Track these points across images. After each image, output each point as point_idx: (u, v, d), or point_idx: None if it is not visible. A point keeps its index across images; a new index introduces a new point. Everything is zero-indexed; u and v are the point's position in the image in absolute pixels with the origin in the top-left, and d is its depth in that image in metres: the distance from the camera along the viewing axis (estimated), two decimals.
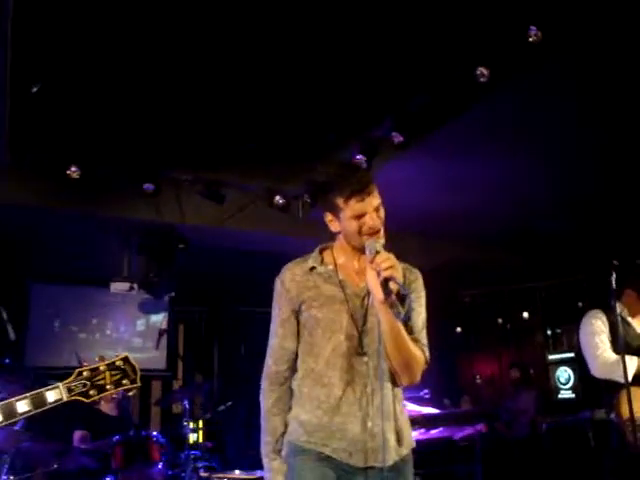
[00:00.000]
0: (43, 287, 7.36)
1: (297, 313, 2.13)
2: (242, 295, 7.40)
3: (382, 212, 2.09)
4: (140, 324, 7.82)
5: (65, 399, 2.01)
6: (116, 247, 5.98)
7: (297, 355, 2.14)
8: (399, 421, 2.09)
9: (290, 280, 2.15)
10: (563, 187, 5.60)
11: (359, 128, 4.71)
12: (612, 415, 3.43)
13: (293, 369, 2.15)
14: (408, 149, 4.53)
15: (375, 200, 2.06)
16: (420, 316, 2.17)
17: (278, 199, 5.44)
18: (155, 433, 4.73)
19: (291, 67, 4.05)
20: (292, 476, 2.06)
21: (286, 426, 2.12)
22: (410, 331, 2.08)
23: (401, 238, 6.68)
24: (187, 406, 5.17)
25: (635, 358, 3.39)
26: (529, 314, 8.34)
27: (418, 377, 2.10)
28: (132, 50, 3.82)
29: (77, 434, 5.06)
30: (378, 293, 1.94)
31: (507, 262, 7.36)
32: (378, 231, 2.05)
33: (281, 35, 3.74)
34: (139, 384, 2.11)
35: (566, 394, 7.95)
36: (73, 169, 4.83)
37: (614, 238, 4.15)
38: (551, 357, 8.21)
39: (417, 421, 4.77)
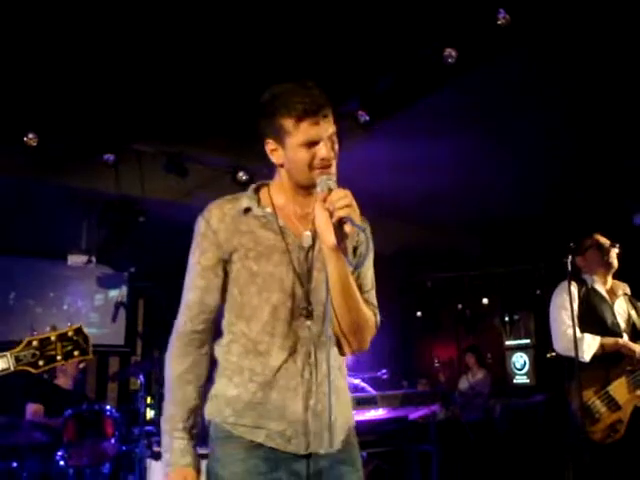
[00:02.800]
0: None
1: (225, 263, 1.73)
2: None
3: (337, 144, 1.70)
4: (98, 299, 7.69)
5: (12, 368, 1.93)
6: (74, 219, 5.85)
7: (219, 314, 1.78)
8: (343, 398, 1.79)
9: (219, 220, 1.72)
10: (526, 173, 5.67)
11: None
12: (567, 398, 3.45)
13: (211, 331, 1.79)
14: (372, 130, 4.52)
15: (331, 126, 1.67)
16: (369, 272, 1.83)
17: (242, 175, 5.39)
18: (108, 407, 4.67)
19: (259, 42, 3.99)
20: (214, 466, 1.70)
21: (200, 400, 1.77)
22: (359, 289, 1.73)
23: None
24: (143, 381, 5.10)
25: (598, 337, 3.33)
26: (488, 300, 8.45)
27: (367, 343, 1.76)
28: (96, 16, 3.71)
29: (30, 407, 4.97)
30: (330, 237, 1.59)
31: (468, 248, 7.44)
32: (330, 165, 1.67)
33: (247, 9, 3.67)
34: (91, 356, 2.03)
35: (521, 379, 8.13)
36: (31, 136, 4.70)
37: (573, 225, 4.23)
38: (508, 343, 8.38)
39: (373, 400, 4.80)
